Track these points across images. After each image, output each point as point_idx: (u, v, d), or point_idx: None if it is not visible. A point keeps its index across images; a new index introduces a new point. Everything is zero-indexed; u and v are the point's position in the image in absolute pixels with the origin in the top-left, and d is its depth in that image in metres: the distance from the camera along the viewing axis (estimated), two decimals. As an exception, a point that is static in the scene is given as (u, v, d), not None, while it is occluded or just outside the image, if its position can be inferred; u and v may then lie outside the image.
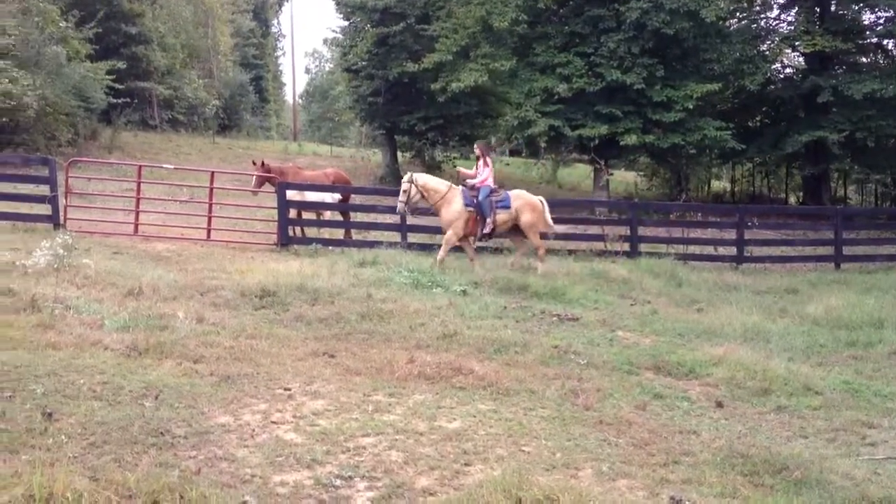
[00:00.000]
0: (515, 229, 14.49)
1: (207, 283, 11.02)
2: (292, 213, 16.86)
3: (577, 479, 5.19)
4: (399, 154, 36.44)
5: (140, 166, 18.50)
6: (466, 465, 5.32)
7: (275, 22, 73.09)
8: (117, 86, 32.63)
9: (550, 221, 14.64)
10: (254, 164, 17.44)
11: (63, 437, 5.10)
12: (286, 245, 16.02)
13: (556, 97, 26.48)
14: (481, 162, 14.44)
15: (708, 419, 6.87)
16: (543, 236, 14.86)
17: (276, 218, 16.55)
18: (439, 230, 17.60)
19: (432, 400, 6.68)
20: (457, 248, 14.49)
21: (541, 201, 14.56)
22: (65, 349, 7.21)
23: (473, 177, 14.34)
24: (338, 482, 4.89)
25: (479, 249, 15.26)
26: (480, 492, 4.66)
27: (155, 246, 15.01)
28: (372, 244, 15.66)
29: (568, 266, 14.38)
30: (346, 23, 35.89)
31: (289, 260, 14.30)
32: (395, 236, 16.60)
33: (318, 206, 17.26)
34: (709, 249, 18.66)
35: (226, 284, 11.00)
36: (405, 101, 32.81)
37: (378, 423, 5.97)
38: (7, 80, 24.89)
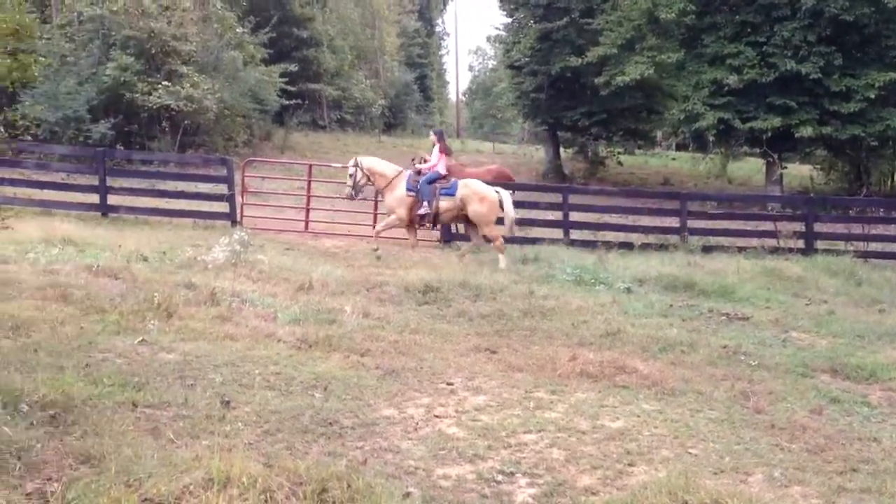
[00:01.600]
0: (467, 220, 14.17)
1: (373, 279, 11.29)
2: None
3: (747, 484, 4.99)
4: (562, 150, 36.20)
5: (310, 165, 19.16)
6: (630, 465, 5.22)
7: (439, 21, 74.20)
8: (289, 88, 33.89)
9: (511, 213, 14.01)
10: (413, 161, 17.74)
11: (239, 424, 5.34)
12: (448, 242, 16.20)
13: (726, 89, 25.62)
14: (436, 148, 14.29)
15: (890, 426, 6.45)
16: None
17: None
18: (602, 227, 17.44)
19: (595, 398, 6.59)
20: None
21: (497, 192, 14.01)
22: (241, 340, 7.56)
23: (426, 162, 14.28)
24: (499, 477, 4.91)
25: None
26: (644, 493, 4.56)
27: (324, 242, 15.52)
28: (534, 241, 15.61)
29: (738, 263, 13.85)
30: (510, 19, 35.99)
31: (451, 256, 14.45)
32: (558, 233, 16.49)
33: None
34: (892, 247, 17.54)
35: (390, 280, 11.23)
36: (568, 96, 32.56)
37: (540, 421, 5.95)
38: (189, 85, 26.32)
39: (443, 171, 14.18)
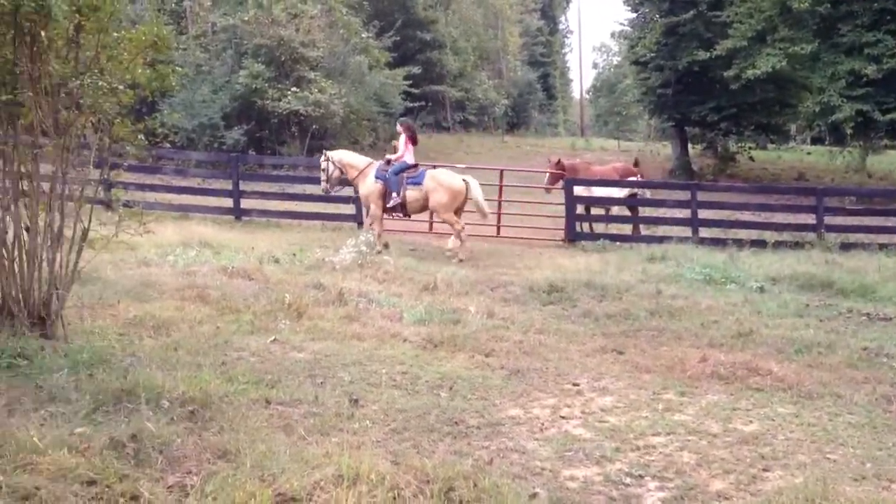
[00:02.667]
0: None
1: (497, 279, 11.30)
2: (580, 209, 16.87)
3: (890, 491, 4.75)
4: (690, 146, 35.35)
5: (434, 167, 19.32)
6: (764, 470, 5.04)
7: (562, 19, 73.59)
8: (413, 90, 34.28)
9: (483, 206, 14.20)
10: (549, 161, 17.66)
11: (367, 422, 5.43)
12: (573, 241, 16.06)
13: (864, 80, 24.45)
14: (402, 139, 14.12)
15: None
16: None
17: (563, 214, 16.64)
18: (733, 224, 16.95)
19: (726, 401, 6.40)
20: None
21: (464, 180, 13.92)
22: (368, 340, 7.69)
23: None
24: (628, 480, 4.82)
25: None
26: (780, 499, 4.40)
27: (447, 242, 15.62)
28: (661, 239, 15.31)
29: (879, 261, 13.22)
30: (634, 15, 35.39)
31: (576, 256, 14.32)
32: (686, 231, 16.13)
33: (606, 202, 17.15)
34: None
35: (515, 280, 11.21)
36: (696, 91, 31.73)
37: (669, 423, 5.82)
38: (317, 90, 26.96)
39: (410, 161, 14.20)
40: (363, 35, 31.76)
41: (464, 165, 22.61)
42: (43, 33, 6.16)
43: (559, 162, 17.42)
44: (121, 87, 6.60)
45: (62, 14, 5.86)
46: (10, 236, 6.38)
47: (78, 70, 6.40)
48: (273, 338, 7.50)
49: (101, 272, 9.24)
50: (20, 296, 6.42)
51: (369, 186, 14.10)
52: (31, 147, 6.48)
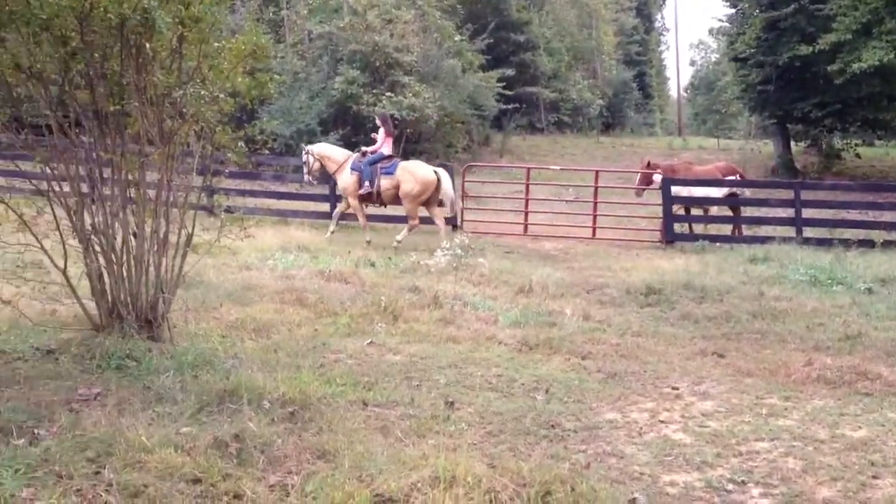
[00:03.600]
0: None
1: (593, 281, 11.20)
2: (679, 210, 16.58)
3: None
4: (792, 144, 34.34)
5: (528, 168, 19.31)
6: (874, 477, 4.84)
7: (658, 17, 72.50)
8: (507, 92, 34.24)
9: (452, 200, 15.03)
10: (641, 162, 17.46)
11: (463, 424, 5.44)
12: (671, 242, 15.79)
13: (978, 71, 23.38)
14: (381, 131, 14.44)
15: None
16: None
17: (660, 215, 16.38)
18: (839, 223, 16.41)
19: (833, 406, 6.18)
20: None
21: (435, 172, 14.36)
22: (463, 343, 7.71)
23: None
24: (730, 486, 4.70)
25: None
26: (892, 510, 4.23)
27: (543, 245, 15.56)
28: (763, 240, 14.94)
29: None
30: (733, 10, 34.61)
31: (674, 257, 14.08)
32: (789, 231, 15.68)
33: (706, 202, 16.81)
34: None
35: (611, 282, 11.09)
36: (798, 86, 30.79)
37: (773, 428, 5.65)
38: (411, 95, 27.20)
39: (387, 153, 14.65)
40: (456, 38, 31.87)
41: (558, 167, 22.54)
42: (148, 45, 6.36)
43: (649, 163, 17.18)
44: (222, 95, 6.77)
45: (166, 26, 6.04)
46: (118, 242, 6.61)
47: (181, 80, 6.59)
48: (369, 340, 7.59)
49: (204, 276, 9.50)
50: (129, 299, 6.64)
51: (346, 179, 14.75)
52: (137, 155, 6.70)
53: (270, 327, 7.78)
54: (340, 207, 15.40)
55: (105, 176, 6.73)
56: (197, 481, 4.20)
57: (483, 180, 22.84)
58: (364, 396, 5.88)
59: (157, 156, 6.71)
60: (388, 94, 27.22)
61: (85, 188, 6.69)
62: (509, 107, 34.79)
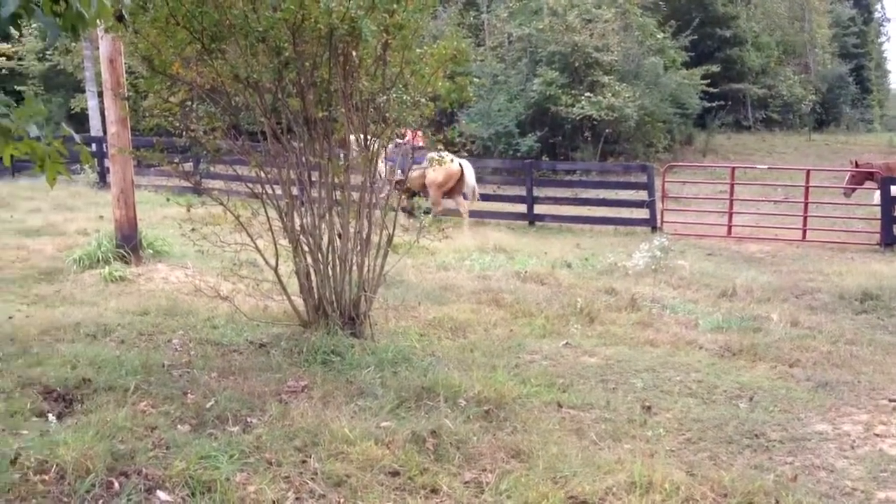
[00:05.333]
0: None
1: (803, 286, 10.65)
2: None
3: None
4: None
5: (732, 168, 18.60)
6: None
7: (877, 7, 67.88)
8: (711, 90, 33.21)
9: (474, 191, 15.77)
10: (851, 163, 16.50)
11: (661, 430, 5.31)
12: (890, 245, 14.76)
13: None
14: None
15: None
16: None
17: (878, 216, 15.36)
18: None
19: None
20: None
21: (460, 165, 15.19)
22: (661, 347, 7.53)
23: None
24: (954, 510, 4.35)
25: None
26: None
27: (748, 247, 14.94)
28: None
29: None
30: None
31: (893, 261, 13.15)
32: None
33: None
34: None
35: (822, 287, 10.51)
36: None
37: None
38: (611, 94, 26.93)
39: (419, 144, 14.13)
40: (658, 36, 31.25)
41: (765, 166, 21.60)
42: (354, 53, 6.64)
43: (857, 163, 16.21)
44: (423, 100, 6.95)
45: (371, 34, 6.27)
46: (325, 242, 6.93)
47: (384, 86, 6.83)
48: (565, 342, 7.56)
49: (403, 276, 9.79)
50: (333, 297, 6.95)
51: (380, 169, 15.46)
52: (342, 159, 7.00)
53: (467, 327, 7.91)
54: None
55: (313, 179, 7.08)
56: (395, 474, 4.34)
57: (684, 180, 22.24)
58: (559, 398, 5.87)
59: (360, 159, 6.99)
60: (587, 94, 27.07)
61: (295, 191, 7.07)
62: (714, 104, 33.71)
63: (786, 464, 4.90)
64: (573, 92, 27.43)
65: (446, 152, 16.57)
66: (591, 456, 4.69)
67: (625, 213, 17.00)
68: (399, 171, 15.22)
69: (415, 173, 15.10)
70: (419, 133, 15.54)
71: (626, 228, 16.52)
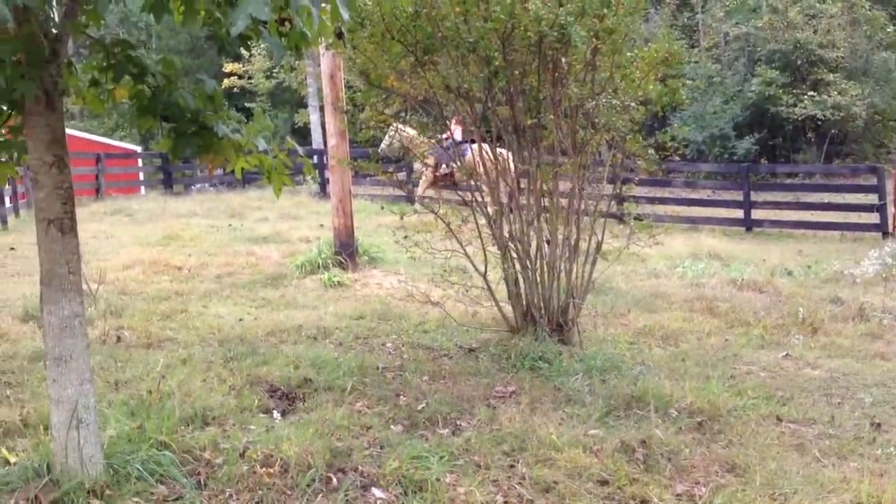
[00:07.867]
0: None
1: None
2: None
3: None
4: None
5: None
6: None
7: None
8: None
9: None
10: None
11: (891, 448, 4.95)
12: None
13: None
14: (453, 121, 12.11)
15: None
16: None
17: None
18: None
19: None
20: None
21: (503, 153, 12.37)
22: (893, 360, 7.03)
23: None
24: None
25: None
26: None
27: None
28: None
29: None
30: None
31: None
32: None
33: None
34: None
35: None
36: None
37: None
38: (836, 93, 25.48)
39: (457, 138, 13.25)
40: (889, 29, 29.20)
41: None
42: (563, 59, 6.65)
43: None
44: (633, 104, 6.85)
45: (581, 40, 6.25)
46: (533, 248, 6.97)
47: (594, 91, 6.78)
48: (785, 353, 7.21)
49: (613, 282, 9.67)
50: (541, 304, 6.97)
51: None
52: (551, 166, 7.01)
53: (678, 335, 7.70)
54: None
55: (522, 186, 7.14)
56: (604, 483, 4.29)
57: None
58: (778, 411, 5.59)
59: (569, 166, 6.97)
60: (811, 93, 25.73)
61: (504, 198, 7.15)
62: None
63: None
64: (795, 91, 26.15)
65: (487, 146, 16.73)
66: (814, 473, 4.45)
67: (852, 217, 15.97)
68: (444, 166, 15.82)
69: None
70: (459, 129, 15.91)
71: (853, 234, 15.51)
